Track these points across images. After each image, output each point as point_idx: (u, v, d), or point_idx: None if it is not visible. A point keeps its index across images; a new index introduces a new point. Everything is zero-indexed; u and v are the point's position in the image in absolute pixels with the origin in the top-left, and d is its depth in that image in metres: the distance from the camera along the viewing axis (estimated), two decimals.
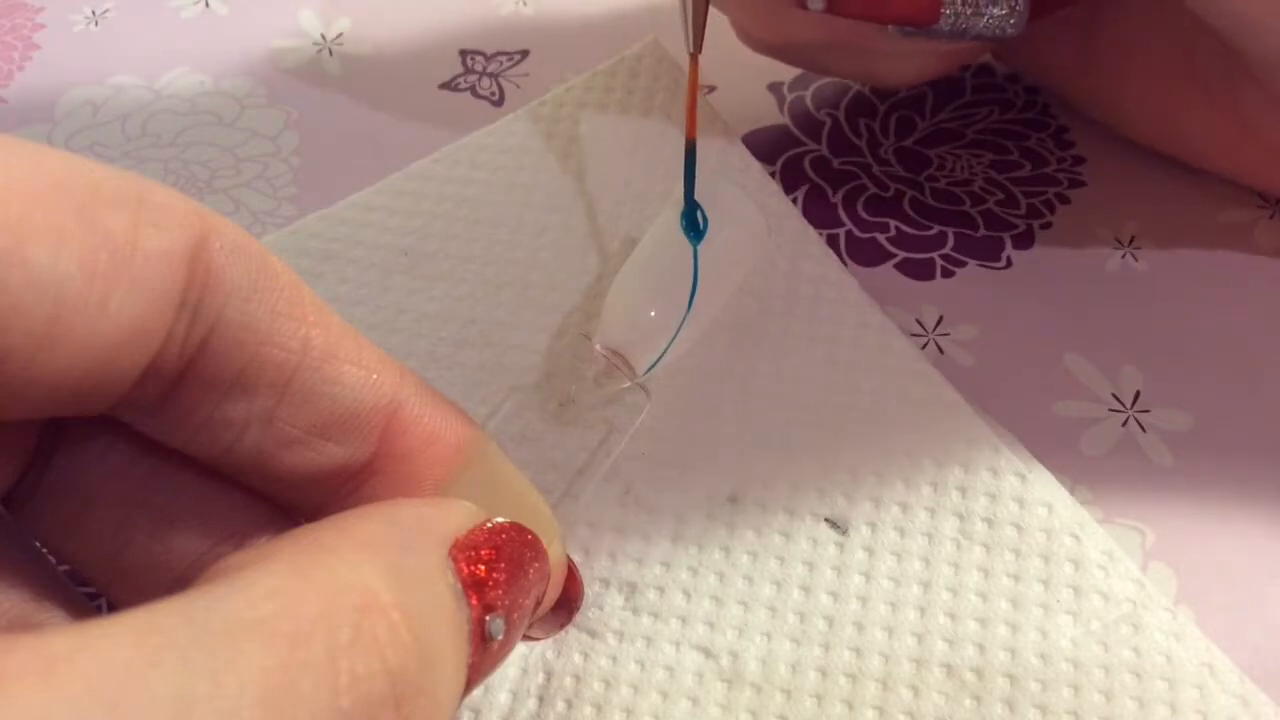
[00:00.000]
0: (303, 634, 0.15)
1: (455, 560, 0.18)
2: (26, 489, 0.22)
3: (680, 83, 0.37)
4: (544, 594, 0.22)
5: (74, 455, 0.22)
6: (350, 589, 0.16)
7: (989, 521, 0.28)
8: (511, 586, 0.20)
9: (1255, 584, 0.28)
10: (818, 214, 0.36)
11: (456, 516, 0.20)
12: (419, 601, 0.17)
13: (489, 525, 0.20)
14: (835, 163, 0.37)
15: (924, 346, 0.33)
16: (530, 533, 0.21)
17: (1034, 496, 0.29)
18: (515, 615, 0.20)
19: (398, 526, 0.18)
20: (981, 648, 0.27)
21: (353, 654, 0.15)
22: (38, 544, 0.22)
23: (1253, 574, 0.28)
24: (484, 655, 0.19)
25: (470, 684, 0.19)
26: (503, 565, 0.19)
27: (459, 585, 0.18)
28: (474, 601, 0.18)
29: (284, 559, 0.16)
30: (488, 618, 0.19)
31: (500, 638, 0.19)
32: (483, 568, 0.19)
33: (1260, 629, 0.27)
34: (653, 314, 0.27)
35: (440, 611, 0.17)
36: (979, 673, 0.26)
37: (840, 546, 0.28)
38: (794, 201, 0.36)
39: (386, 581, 0.16)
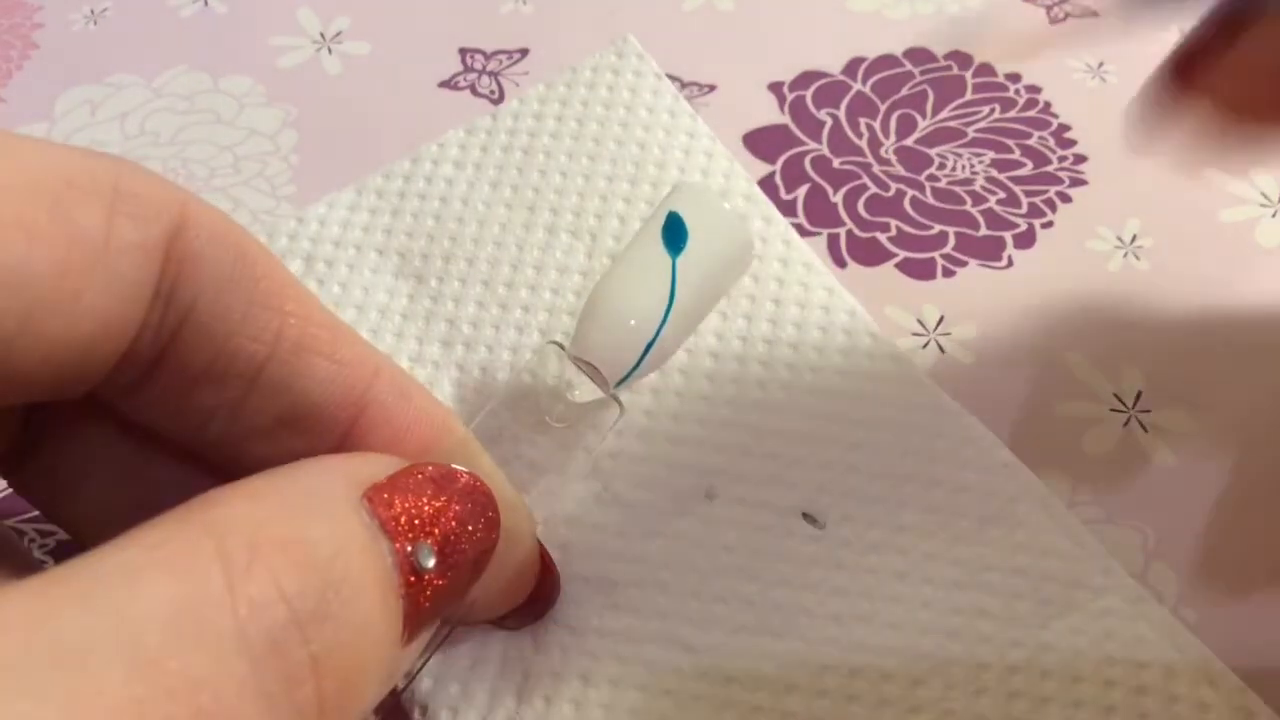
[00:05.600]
0: (200, 568, 0.15)
1: (371, 500, 0.18)
2: (24, 456, 0.22)
3: (658, 80, 0.37)
4: (497, 537, 0.21)
5: (63, 429, 0.22)
6: (244, 525, 0.16)
7: (964, 514, 0.28)
8: (439, 515, 0.19)
9: (1255, 584, 0.27)
10: (818, 213, 0.36)
11: (371, 464, 0.20)
12: (320, 534, 0.17)
13: (412, 468, 0.20)
14: (836, 162, 0.37)
15: (924, 346, 0.32)
16: (465, 472, 0.21)
17: (1007, 490, 0.29)
18: (452, 547, 0.19)
19: (298, 474, 0.18)
20: (959, 639, 0.27)
21: (248, 583, 0.15)
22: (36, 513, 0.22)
23: (1253, 574, 0.28)
24: (419, 587, 0.19)
25: (415, 619, 0.19)
26: (426, 499, 0.19)
27: (374, 521, 0.18)
28: (393, 532, 0.18)
29: (182, 510, 0.16)
30: (410, 548, 0.18)
31: (431, 565, 0.19)
32: (399, 502, 0.19)
33: (1261, 630, 0.27)
34: (630, 325, 0.27)
35: (350, 544, 0.17)
36: (957, 663, 0.26)
37: (817, 541, 0.28)
38: (794, 201, 0.36)
39: (281, 519, 0.17)
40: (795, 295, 0.32)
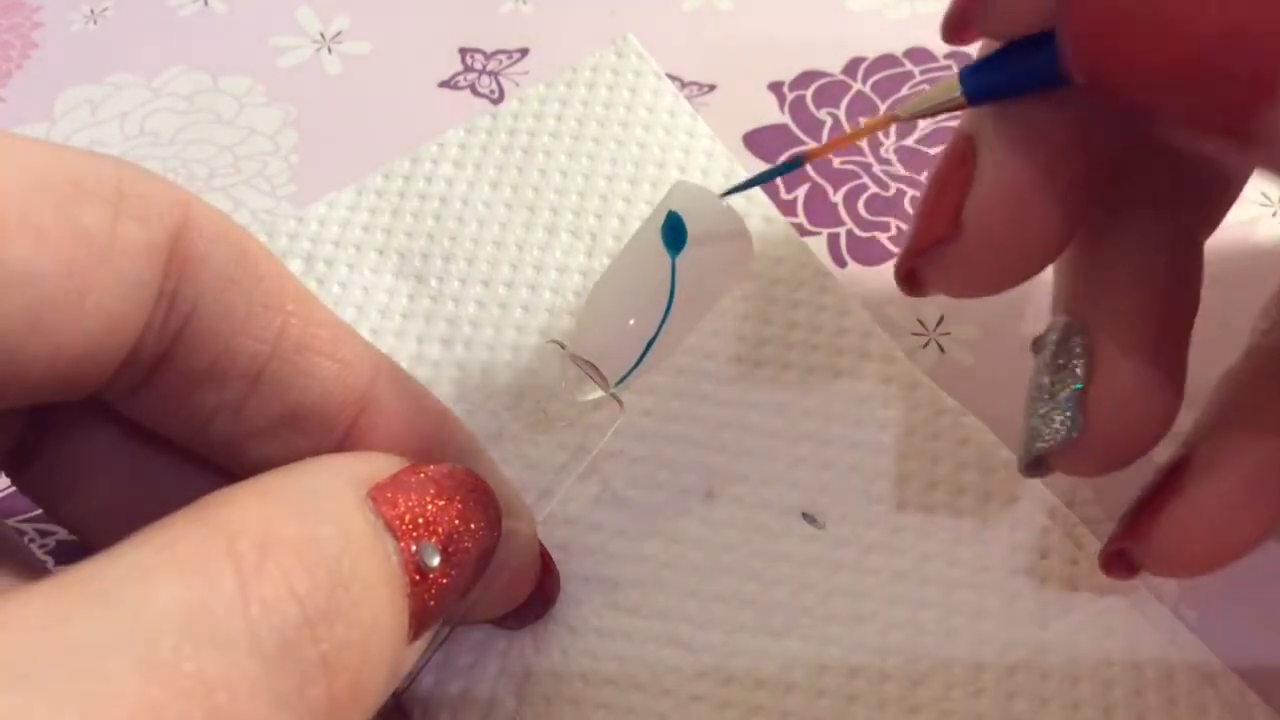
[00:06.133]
0: (211, 569, 0.15)
1: (374, 500, 0.19)
2: (27, 456, 0.22)
3: (658, 79, 0.37)
4: (499, 535, 0.22)
5: (66, 429, 0.22)
6: (253, 526, 0.16)
7: (963, 514, 0.28)
8: (442, 514, 0.20)
9: (1255, 584, 0.27)
10: (818, 213, 0.36)
11: (371, 462, 0.20)
12: (328, 534, 0.17)
13: (414, 467, 0.20)
14: (836, 162, 0.37)
15: (925, 346, 0.32)
16: (466, 470, 0.21)
17: (1007, 490, 0.29)
18: (455, 545, 0.20)
19: (302, 475, 0.19)
20: (958, 639, 0.27)
21: (260, 583, 0.15)
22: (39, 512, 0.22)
23: (1253, 574, 0.28)
24: (424, 586, 0.19)
25: (421, 617, 0.19)
26: (429, 498, 0.19)
27: (378, 520, 0.18)
28: (398, 531, 0.19)
29: (191, 510, 0.16)
30: (414, 547, 0.19)
31: (436, 563, 0.19)
32: (402, 500, 0.19)
33: (1261, 630, 0.27)
34: (630, 324, 0.27)
35: (356, 543, 0.18)
36: (956, 663, 0.26)
37: (817, 541, 0.28)
38: (794, 201, 0.36)
39: (289, 519, 0.17)
40: (794, 295, 0.32)
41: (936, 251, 0.22)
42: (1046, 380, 0.23)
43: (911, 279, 0.23)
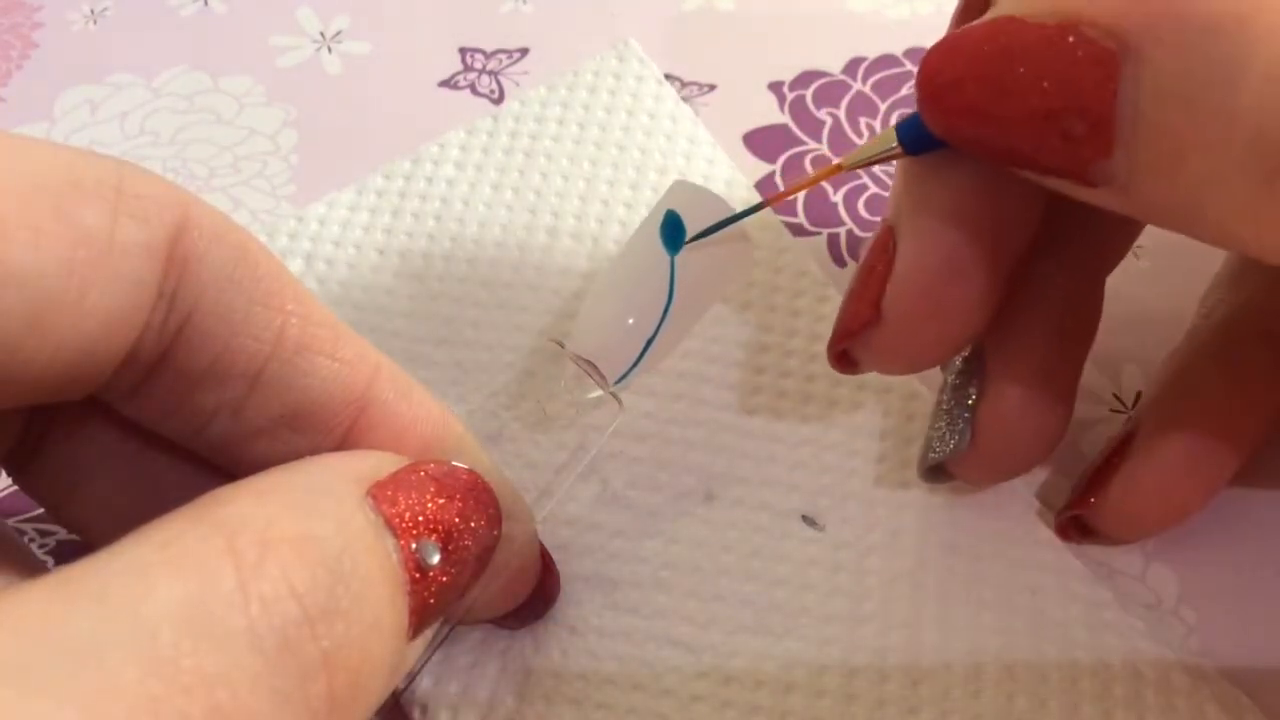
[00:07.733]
0: (211, 566, 0.15)
1: (374, 498, 0.19)
2: (28, 456, 0.22)
3: (659, 84, 0.37)
4: (499, 534, 0.22)
5: (66, 429, 0.22)
6: (253, 523, 0.16)
7: (956, 520, 0.29)
8: (442, 512, 0.20)
9: (1255, 584, 0.27)
10: (818, 213, 0.36)
11: (370, 460, 0.20)
12: (327, 531, 0.17)
13: (414, 465, 0.20)
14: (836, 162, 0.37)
15: None
16: (465, 469, 0.21)
17: (1007, 489, 0.29)
18: (455, 542, 0.20)
19: (301, 473, 0.19)
20: (957, 639, 0.27)
21: (260, 581, 0.16)
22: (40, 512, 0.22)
23: (1253, 574, 0.28)
24: (424, 584, 0.19)
25: (421, 614, 0.19)
26: (429, 496, 0.20)
27: (378, 518, 0.18)
28: (398, 529, 0.19)
29: (191, 508, 0.17)
30: (414, 544, 0.19)
31: (436, 561, 0.19)
32: (402, 499, 0.19)
33: (1260, 629, 0.27)
34: (629, 323, 0.27)
35: (356, 541, 0.18)
36: (956, 663, 0.26)
37: (817, 542, 0.28)
38: (794, 201, 0.36)
39: (289, 517, 0.17)
40: (794, 304, 0.33)
41: (861, 336, 0.23)
42: (945, 399, 0.26)
43: (843, 359, 0.25)
